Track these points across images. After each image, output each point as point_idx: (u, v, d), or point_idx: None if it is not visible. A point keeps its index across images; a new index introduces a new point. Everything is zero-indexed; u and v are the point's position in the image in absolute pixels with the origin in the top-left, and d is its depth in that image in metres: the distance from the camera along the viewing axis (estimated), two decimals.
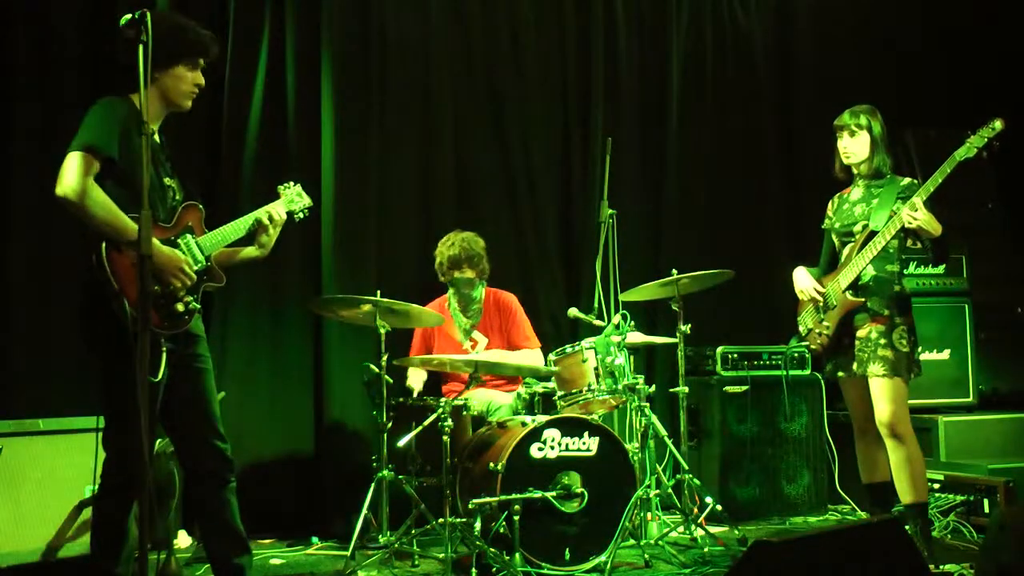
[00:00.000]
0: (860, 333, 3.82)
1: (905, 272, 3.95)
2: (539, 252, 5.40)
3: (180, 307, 2.95)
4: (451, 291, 4.67)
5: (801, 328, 4.11)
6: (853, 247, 3.85)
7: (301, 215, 3.35)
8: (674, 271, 4.40)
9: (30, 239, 4.27)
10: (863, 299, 3.81)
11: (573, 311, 4.64)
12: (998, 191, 5.61)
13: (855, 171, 3.96)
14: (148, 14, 2.52)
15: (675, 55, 5.77)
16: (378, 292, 4.03)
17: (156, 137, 3.06)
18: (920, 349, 3.91)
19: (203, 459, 3.04)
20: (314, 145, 4.88)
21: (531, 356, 4.68)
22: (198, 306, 3.02)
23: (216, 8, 4.73)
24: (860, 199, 3.93)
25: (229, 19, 4.72)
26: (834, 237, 4.03)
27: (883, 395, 3.74)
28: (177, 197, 3.09)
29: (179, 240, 3.00)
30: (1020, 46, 5.85)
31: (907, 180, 3.87)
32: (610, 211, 4.52)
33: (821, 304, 3.95)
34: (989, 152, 3.61)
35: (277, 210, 3.22)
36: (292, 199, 3.32)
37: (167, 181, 3.06)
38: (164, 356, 2.89)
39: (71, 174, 2.76)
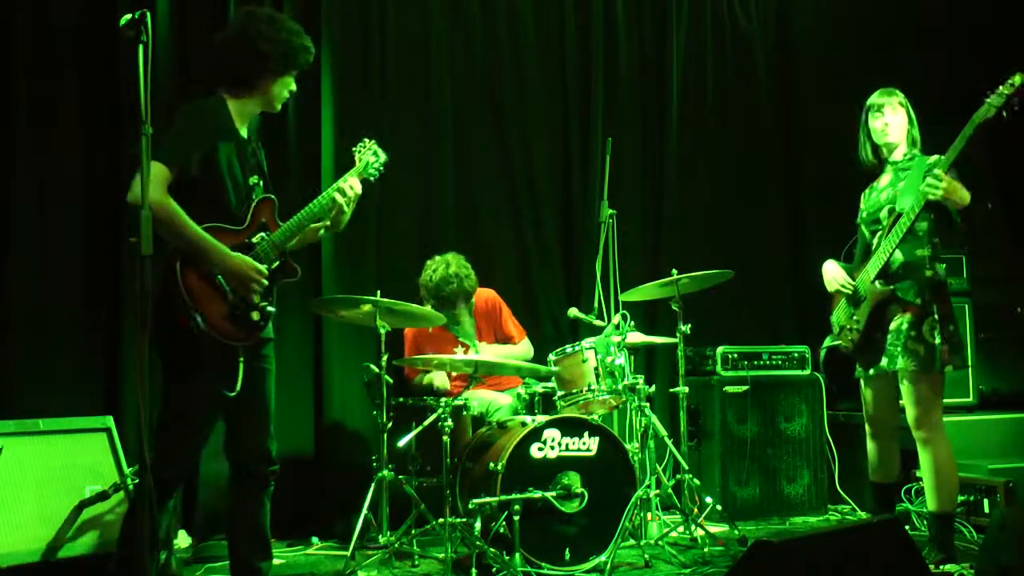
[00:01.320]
0: (892, 326, 3.58)
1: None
2: (539, 252, 5.40)
3: (256, 315, 2.92)
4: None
5: (833, 326, 3.87)
6: (882, 234, 3.63)
7: (375, 174, 3.25)
8: (674, 271, 4.40)
9: (30, 239, 4.27)
10: (893, 288, 3.56)
11: (573, 311, 4.65)
12: (998, 191, 5.61)
13: (886, 153, 3.74)
14: (147, 14, 2.52)
15: (675, 55, 5.77)
16: (378, 292, 4.03)
17: (245, 134, 3.05)
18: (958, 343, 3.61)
19: (250, 459, 3.04)
20: (314, 145, 4.88)
21: (524, 348, 4.70)
22: (272, 310, 2.98)
23: (216, 7, 4.73)
24: (888, 184, 3.72)
25: (228, 18, 4.71)
26: (864, 228, 3.82)
27: (910, 396, 3.54)
28: (257, 197, 3.04)
29: (254, 240, 2.96)
30: (1020, 46, 5.85)
31: (935, 157, 3.60)
32: (610, 211, 4.52)
33: (851, 297, 3.72)
34: (1010, 111, 3.38)
35: (350, 183, 3.13)
36: (366, 163, 3.23)
37: (252, 180, 3.03)
38: (241, 368, 2.87)
39: (138, 183, 2.70)
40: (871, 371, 3.71)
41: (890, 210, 3.63)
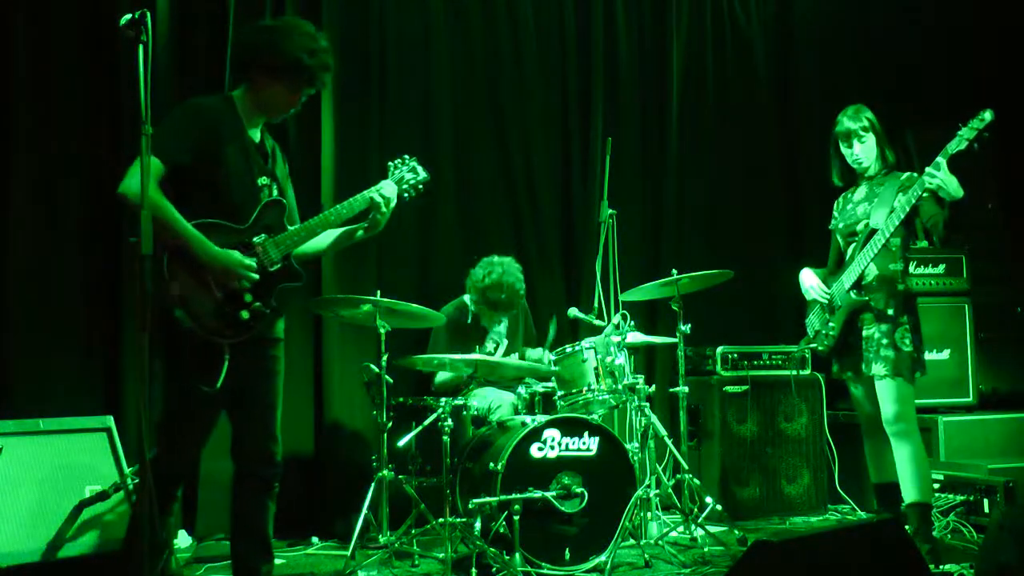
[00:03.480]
0: (865, 333, 3.81)
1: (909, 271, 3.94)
2: (539, 252, 5.40)
3: (245, 314, 2.88)
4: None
5: (809, 330, 4.10)
6: (856, 247, 3.84)
7: (411, 193, 3.25)
8: (674, 271, 4.40)
9: (30, 240, 4.27)
10: (867, 298, 3.79)
11: (573, 311, 4.65)
12: (998, 191, 5.61)
13: (861, 173, 3.93)
14: (147, 14, 2.52)
15: (675, 55, 5.78)
16: (378, 292, 4.03)
17: (255, 135, 3.05)
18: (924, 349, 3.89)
19: (254, 460, 3.02)
20: (314, 145, 4.88)
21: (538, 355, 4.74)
22: (267, 311, 2.93)
23: (216, 7, 4.73)
24: (863, 198, 3.91)
25: (228, 18, 4.71)
26: (839, 237, 4.03)
27: (886, 395, 3.75)
28: (273, 196, 3.02)
29: (254, 240, 2.94)
30: (1020, 45, 5.85)
31: (907, 174, 3.85)
32: (610, 211, 4.52)
33: (827, 305, 3.93)
34: (980, 144, 3.60)
35: (383, 192, 3.12)
36: (403, 176, 3.24)
37: (261, 181, 3.00)
38: (225, 366, 2.83)
39: (131, 175, 2.73)
40: (847, 374, 3.95)
41: (866, 224, 3.82)
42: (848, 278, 3.82)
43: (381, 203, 3.10)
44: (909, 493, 3.77)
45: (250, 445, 3.02)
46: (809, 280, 4.01)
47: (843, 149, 3.92)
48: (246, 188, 2.96)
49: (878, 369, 3.74)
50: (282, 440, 3.09)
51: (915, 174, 3.80)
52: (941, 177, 3.53)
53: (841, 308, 3.86)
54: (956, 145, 3.59)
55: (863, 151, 3.87)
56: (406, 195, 3.27)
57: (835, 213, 4.08)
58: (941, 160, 3.56)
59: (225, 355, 2.84)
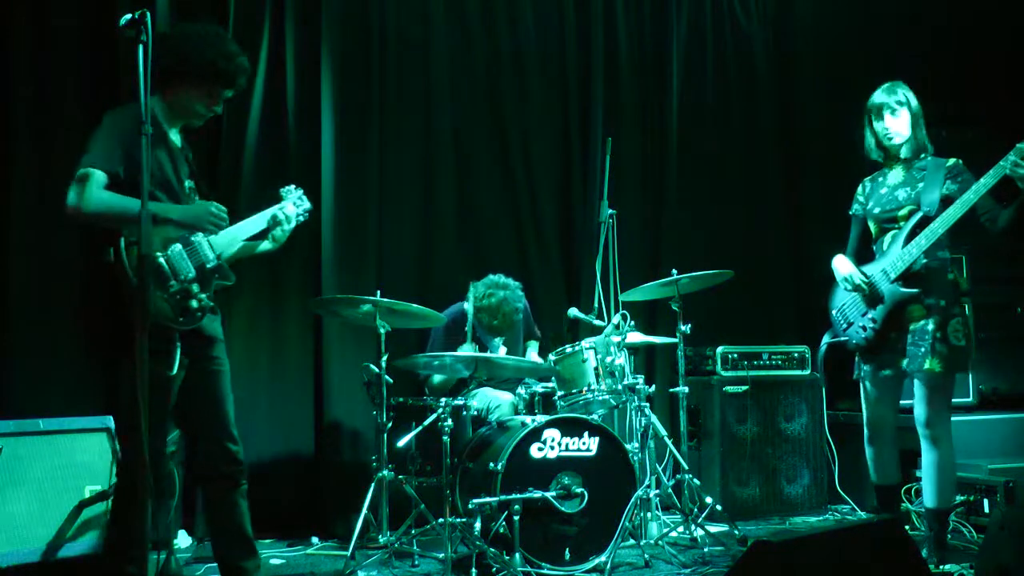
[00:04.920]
0: (913, 327, 3.58)
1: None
2: (539, 252, 5.40)
3: (195, 303, 2.97)
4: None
5: (840, 321, 3.81)
6: (899, 233, 3.62)
7: (299, 219, 3.40)
8: (674, 271, 4.40)
9: (30, 240, 4.27)
10: (917, 290, 3.55)
11: (573, 311, 4.65)
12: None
13: (893, 152, 3.73)
14: (147, 14, 2.53)
15: (675, 55, 5.77)
16: (378, 292, 4.03)
17: (176, 140, 3.12)
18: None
19: (214, 461, 3.06)
20: (314, 145, 4.88)
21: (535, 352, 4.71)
22: (211, 304, 3.05)
23: (216, 7, 4.72)
24: (902, 182, 3.70)
25: (229, 18, 4.71)
26: (870, 223, 3.80)
27: (927, 395, 3.57)
28: (196, 199, 3.14)
29: (191, 238, 3.03)
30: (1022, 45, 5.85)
31: (953, 160, 3.63)
32: (610, 211, 4.52)
33: (868, 296, 3.68)
34: None
35: (286, 210, 3.30)
36: (294, 202, 3.37)
37: (189, 184, 3.14)
38: (178, 351, 2.92)
39: (72, 194, 2.90)
40: (884, 371, 3.72)
41: (911, 211, 3.61)
42: (893, 268, 3.57)
43: (284, 220, 3.28)
44: (930, 499, 3.66)
45: (209, 447, 3.08)
46: (846, 267, 3.72)
47: (875, 123, 3.71)
48: (173, 191, 3.07)
49: (931, 364, 3.51)
50: (240, 439, 3.14)
51: (960, 161, 3.61)
52: None
53: (885, 299, 3.60)
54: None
55: (895, 125, 3.66)
56: (298, 220, 3.39)
57: (859, 198, 3.87)
58: None
59: (177, 342, 2.93)
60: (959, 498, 4.42)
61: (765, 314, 5.76)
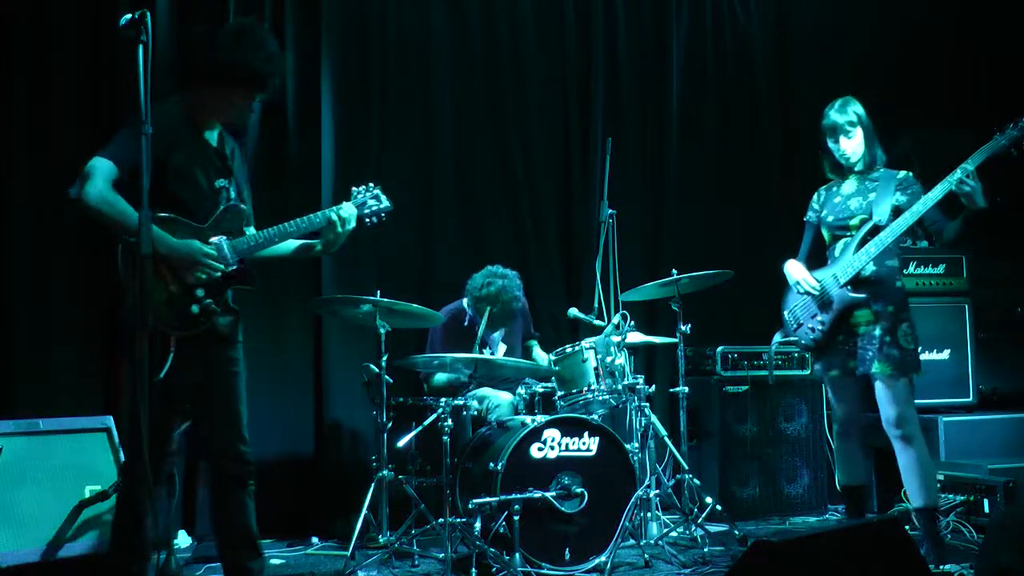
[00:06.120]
0: (862, 331, 3.72)
1: (904, 271, 3.86)
2: (539, 252, 5.40)
3: (195, 308, 2.90)
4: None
5: (790, 321, 3.94)
6: (850, 242, 3.74)
7: (373, 220, 3.26)
8: (674, 271, 4.40)
9: (30, 240, 4.27)
10: (864, 295, 3.69)
11: (573, 311, 4.64)
12: (1008, 183, 5.59)
13: (848, 168, 3.84)
14: (147, 14, 2.53)
15: (675, 55, 5.78)
16: (378, 292, 4.03)
17: (211, 139, 3.08)
18: (920, 348, 3.82)
19: (224, 461, 3.04)
20: (314, 145, 4.88)
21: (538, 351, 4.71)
22: (218, 309, 2.95)
23: (216, 7, 4.72)
24: (855, 192, 3.82)
25: (229, 18, 4.71)
26: (824, 231, 3.91)
27: (890, 397, 3.65)
28: (231, 197, 3.05)
29: (211, 240, 2.96)
30: (1021, 44, 5.84)
31: (903, 172, 3.78)
32: (610, 211, 4.52)
33: (818, 300, 3.81)
34: (1018, 149, 3.44)
35: (341, 213, 3.13)
36: (365, 201, 3.24)
37: (219, 183, 3.04)
38: (171, 357, 2.84)
39: (84, 179, 2.82)
40: (832, 372, 3.82)
41: (862, 220, 3.73)
42: (843, 273, 3.70)
43: (337, 223, 3.12)
44: (916, 498, 3.69)
45: (220, 447, 3.04)
46: (798, 272, 3.86)
47: (830, 144, 3.83)
48: (202, 192, 2.99)
49: (881, 368, 3.63)
50: (250, 439, 3.09)
51: (911, 173, 3.76)
52: (973, 185, 3.41)
53: (833, 304, 3.74)
54: (992, 147, 3.44)
55: (850, 147, 3.79)
56: (368, 221, 3.27)
57: (814, 205, 3.99)
58: (970, 166, 3.43)
59: (171, 348, 2.85)
60: (959, 498, 4.44)
61: (765, 314, 5.75)
